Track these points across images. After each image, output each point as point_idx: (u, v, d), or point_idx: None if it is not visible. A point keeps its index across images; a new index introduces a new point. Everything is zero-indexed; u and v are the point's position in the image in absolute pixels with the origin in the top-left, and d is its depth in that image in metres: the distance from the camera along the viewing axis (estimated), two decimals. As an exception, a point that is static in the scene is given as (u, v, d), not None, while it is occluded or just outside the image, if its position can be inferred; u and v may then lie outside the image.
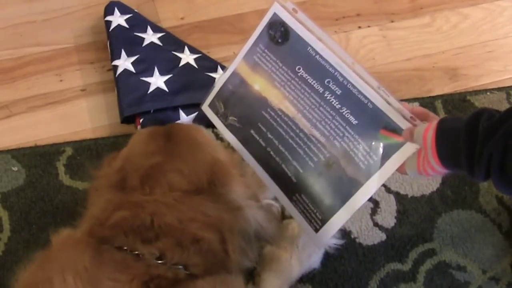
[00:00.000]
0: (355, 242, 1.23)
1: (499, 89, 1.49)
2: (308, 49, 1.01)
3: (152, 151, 0.99)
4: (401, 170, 0.94)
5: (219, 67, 1.43)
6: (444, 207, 1.28)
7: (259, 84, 1.08)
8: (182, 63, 1.40)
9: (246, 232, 0.98)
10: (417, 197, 1.30)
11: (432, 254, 1.23)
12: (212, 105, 1.16)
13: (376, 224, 1.26)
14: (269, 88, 1.07)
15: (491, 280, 1.21)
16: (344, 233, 1.23)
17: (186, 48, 1.45)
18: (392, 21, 1.61)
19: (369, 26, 1.60)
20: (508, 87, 1.49)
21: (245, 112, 1.11)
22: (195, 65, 1.41)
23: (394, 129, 0.93)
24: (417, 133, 0.87)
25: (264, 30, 1.06)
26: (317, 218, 1.03)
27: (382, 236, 1.24)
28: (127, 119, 1.33)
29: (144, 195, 0.92)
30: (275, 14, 1.04)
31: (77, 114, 1.39)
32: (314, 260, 1.16)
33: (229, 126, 1.13)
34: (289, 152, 1.05)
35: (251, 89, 1.09)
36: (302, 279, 1.16)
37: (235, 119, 1.12)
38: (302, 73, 1.02)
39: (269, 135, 1.07)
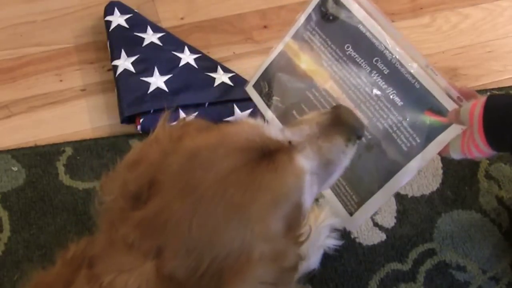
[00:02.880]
0: (355, 242, 1.23)
1: (499, 89, 1.48)
2: (359, 26, 1.00)
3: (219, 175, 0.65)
4: (444, 152, 0.92)
5: (219, 67, 1.43)
6: (444, 207, 1.29)
7: (305, 64, 1.07)
8: (182, 63, 1.40)
9: None
10: (417, 197, 1.30)
11: (432, 254, 1.23)
12: (256, 86, 1.15)
13: (376, 224, 1.26)
14: (315, 67, 1.05)
15: (491, 280, 1.21)
16: (344, 233, 1.23)
17: (186, 48, 1.45)
18: (392, 21, 1.61)
19: (369, 26, 1.59)
20: (508, 87, 1.49)
21: (289, 92, 1.09)
22: (195, 65, 1.41)
23: (440, 111, 0.92)
24: (463, 110, 0.85)
25: (316, 7, 1.05)
26: (353, 201, 1.01)
27: (382, 236, 1.24)
28: (127, 119, 1.33)
29: (123, 254, 0.65)
30: None
31: (77, 114, 1.39)
32: (313, 260, 1.16)
33: (271, 106, 1.12)
34: None
35: (297, 69, 1.08)
36: (302, 279, 1.16)
37: (278, 99, 1.11)
38: (351, 51, 1.01)
39: None
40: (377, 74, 0.98)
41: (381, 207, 1.27)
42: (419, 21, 1.62)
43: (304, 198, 0.71)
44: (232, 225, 0.64)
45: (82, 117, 1.39)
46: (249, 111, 1.34)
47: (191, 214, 0.64)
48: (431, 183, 1.32)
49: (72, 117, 1.39)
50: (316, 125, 0.77)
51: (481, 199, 1.30)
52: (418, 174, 1.32)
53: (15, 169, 1.28)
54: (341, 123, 0.79)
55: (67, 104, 1.41)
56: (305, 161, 0.72)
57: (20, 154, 1.30)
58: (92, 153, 1.31)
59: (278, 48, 1.11)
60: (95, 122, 1.38)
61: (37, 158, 1.29)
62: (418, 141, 0.94)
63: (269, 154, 0.69)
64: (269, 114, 1.11)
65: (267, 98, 1.13)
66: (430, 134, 0.93)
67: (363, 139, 0.98)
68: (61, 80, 1.45)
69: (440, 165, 1.33)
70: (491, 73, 1.53)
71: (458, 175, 1.33)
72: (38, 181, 1.27)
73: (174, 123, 0.80)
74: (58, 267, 0.77)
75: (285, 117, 1.09)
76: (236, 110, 1.34)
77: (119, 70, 1.36)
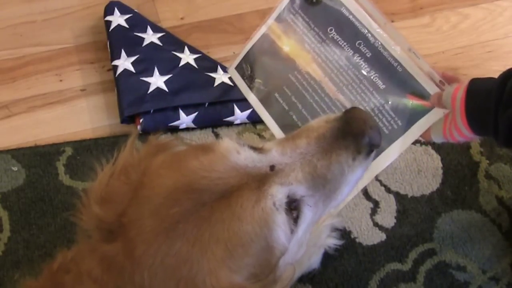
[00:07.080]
0: (355, 242, 1.23)
1: (499, 89, 1.49)
2: (342, 9, 1.01)
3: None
4: (425, 136, 0.93)
5: (219, 67, 1.43)
6: (444, 207, 1.28)
7: (288, 46, 1.07)
8: (182, 63, 1.40)
9: None
10: (417, 197, 1.30)
11: (432, 254, 1.23)
12: (239, 68, 1.14)
13: (376, 224, 1.26)
14: (298, 50, 1.05)
15: (491, 280, 1.21)
16: (344, 233, 1.23)
17: (186, 48, 1.45)
18: (392, 21, 1.61)
19: (369, 26, 1.60)
20: (508, 87, 1.49)
21: (271, 74, 1.09)
22: (195, 65, 1.41)
23: (422, 95, 0.92)
24: (446, 94, 0.85)
25: None
26: None
27: (382, 236, 1.24)
28: (127, 119, 1.33)
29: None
30: None
31: (77, 114, 1.39)
32: (314, 260, 1.16)
33: (253, 89, 1.11)
34: (312, 117, 1.02)
35: (280, 51, 1.08)
36: (302, 279, 1.16)
37: (260, 81, 1.10)
38: (334, 34, 1.01)
39: (293, 99, 1.05)
40: (359, 57, 0.98)
41: (382, 208, 1.27)
42: (419, 21, 1.62)
43: (276, 238, 0.63)
44: (181, 281, 0.60)
45: (82, 117, 1.39)
46: (249, 111, 1.34)
47: (143, 265, 0.61)
48: (431, 183, 1.31)
49: (72, 117, 1.39)
50: (314, 140, 0.71)
51: (481, 199, 1.30)
52: (418, 174, 1.32)
53: (15, 169, 1.28)
54: (349, 133, 0.71)
55: (67, 104, 1.41)
56: (283, 190, 0.65)
57: (20, 154, 1.30)
58: (92, 153, 1.31)
59: (261, 30, 1.10)
60: (95, 122, 1.38)
61: (37, 158, 1.29)
62: (400, 124, 0.94)
63: (229, 194, 0.62)
64: (251, 97, 1.11)
65: (250, 80, 1.12)
66: (412, 117, 0.93)
67: None
68: (61, 80, 1.45)
69: (440, 165, 1.33)
70: (491, 73, 1.49)
71: (458, 175, 1.33)
72: (38, 181, 1.26)
73: (142, 146, 0.75)
74: (42, 279, 0.77)
75: (267, 100, 1.08)
76: (236, 110, 1.34)
77: (119, 70, 1.36)
